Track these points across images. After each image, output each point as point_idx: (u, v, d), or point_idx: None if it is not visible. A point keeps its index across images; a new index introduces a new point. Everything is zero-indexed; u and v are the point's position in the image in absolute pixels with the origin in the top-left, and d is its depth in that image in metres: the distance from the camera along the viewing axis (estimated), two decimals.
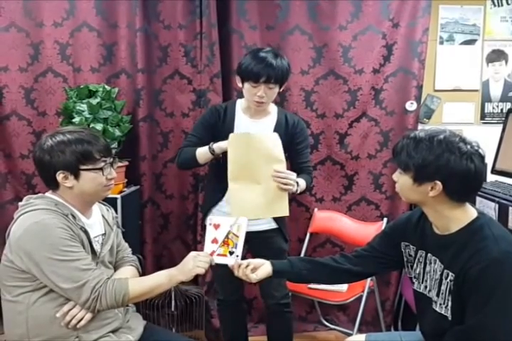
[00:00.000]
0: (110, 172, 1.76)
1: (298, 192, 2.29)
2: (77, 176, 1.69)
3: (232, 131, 2.34)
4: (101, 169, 1.72)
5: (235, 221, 1.85)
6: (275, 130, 2.36)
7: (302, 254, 3.02)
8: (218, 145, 2.25)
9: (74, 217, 1.70)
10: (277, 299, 2.50)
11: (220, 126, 2.40)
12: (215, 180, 2.49)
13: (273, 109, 2.45)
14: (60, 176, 1.68)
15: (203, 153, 2.30)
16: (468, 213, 1.56)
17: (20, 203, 1.75)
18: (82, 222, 1.74)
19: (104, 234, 1.85)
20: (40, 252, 1.59)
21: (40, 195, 1.77)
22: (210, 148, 2.27)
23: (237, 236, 1.84)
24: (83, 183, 1.70)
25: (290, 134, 2.40)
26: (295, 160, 2.44)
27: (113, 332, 1.76)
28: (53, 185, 1.73)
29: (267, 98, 2.30)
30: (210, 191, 2.57)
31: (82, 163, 1.69)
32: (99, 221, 1.86)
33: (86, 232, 1.72)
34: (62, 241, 1.60)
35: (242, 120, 2.40)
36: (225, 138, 2.23)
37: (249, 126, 2.38)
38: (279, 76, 2.26)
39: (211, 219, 1.91)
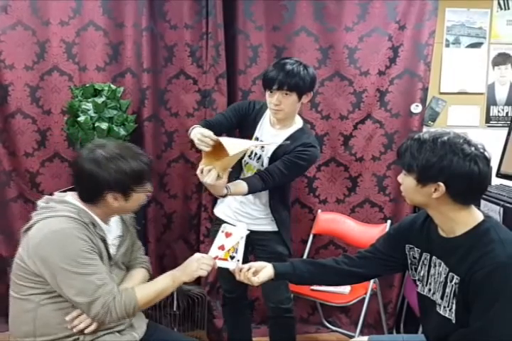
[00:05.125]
0: None
1: (225, 196, 2.16)
2: (128, 197, 1.67)
3: (254, 130, 2.37)
4: (148, 190, 1.72)
5: (246, 233, 1.90)
6: (281, 144, 2.31)
7: (305, 256, 3.02)
8: (194, 131, 2.14)
9: (94, 225, 1.68)
10: (276, 303, 2.48)
11: (248, 119, 2.40)
12: None
13: (296, 125, 2.40)
14: (109, 196, 1.65)
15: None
16: (474, 216, 1.56)
17: (40, 203, 1.72)
18: (102, 229, 1.72)
19: (121, 235, 1.84)
20: (57, 262, 1.58)
21: (62, 198, 1.72)
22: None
23: (238, 242, 1.88)
24: (131, 203, 1.70)
25: (291, 151, 2.30)
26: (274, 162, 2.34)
27: (118, 332, 1.76)
28: (92, 201, 1.68)
29: (284, 106, 2.25)
30: None
31: (138, 185, 1.67)
32: (116, 223, 1.84)
33: (104, 241, 1.71)
34: (81, 254, 1.59)
35: (264, 124, 2.40)
36: (248, 131, 2.27)
37: (266, 132, 2.39)
38: (292, 83, 2.20)
39: (225, 227, 1.95)
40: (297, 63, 2.26)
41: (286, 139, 2.33)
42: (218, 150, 1.95)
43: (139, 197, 1.71)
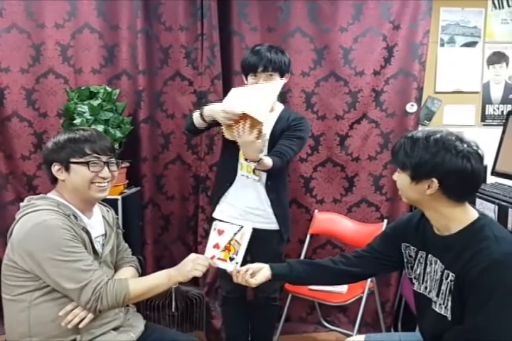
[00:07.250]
0: (102, 170, 1.76)
1: (259, 161, 2.21)
2: (67, 169, 1.73)
3: None
4: (87, 163, 1.73)
5: (239, 229, 1.90)
6: (276, 125, 2.42)
7: (302, 255, 3.02)
8: (207, 110, 2.28)
9: (76, 217, 1.71)
10: (267, 294, 2.55)
11: None
12: (224, 168, 2.54)
13: (278, 108, 2.50)
14: (54, 168, 1.73)
15: (195, 116, 2.36)
16: (468, 214, 1.57)
17: (21, 204, 1.76)
18: (84, 222, 1.75)
19: (105, 234, 1.87)
20: (43, 253, 1.60)
21: (41, 195, 1.78)
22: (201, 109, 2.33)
23: (240, 244, 1.88)
24: (73, 176, 1.73)
25: (287, 127, 2.41)
26: (278, 142, 2.39)
27: (114, 329, 1.78)
28: (51, 180, 1.79)
29: None
30: (219, 180, 2.60)
31: (72, 156, 1.72)
32: (99, 221, 1.87)
33: (88, 232, 1.73)
34: (65, 242, 1.62)
35: None
36: None
37: None
38: (276, 64, 2.34)
39: (216, 224, 1.95)
40: (273, 48, 2.41)
41: (277, 120, 2.44)
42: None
43: (77, 170, 1.73)
